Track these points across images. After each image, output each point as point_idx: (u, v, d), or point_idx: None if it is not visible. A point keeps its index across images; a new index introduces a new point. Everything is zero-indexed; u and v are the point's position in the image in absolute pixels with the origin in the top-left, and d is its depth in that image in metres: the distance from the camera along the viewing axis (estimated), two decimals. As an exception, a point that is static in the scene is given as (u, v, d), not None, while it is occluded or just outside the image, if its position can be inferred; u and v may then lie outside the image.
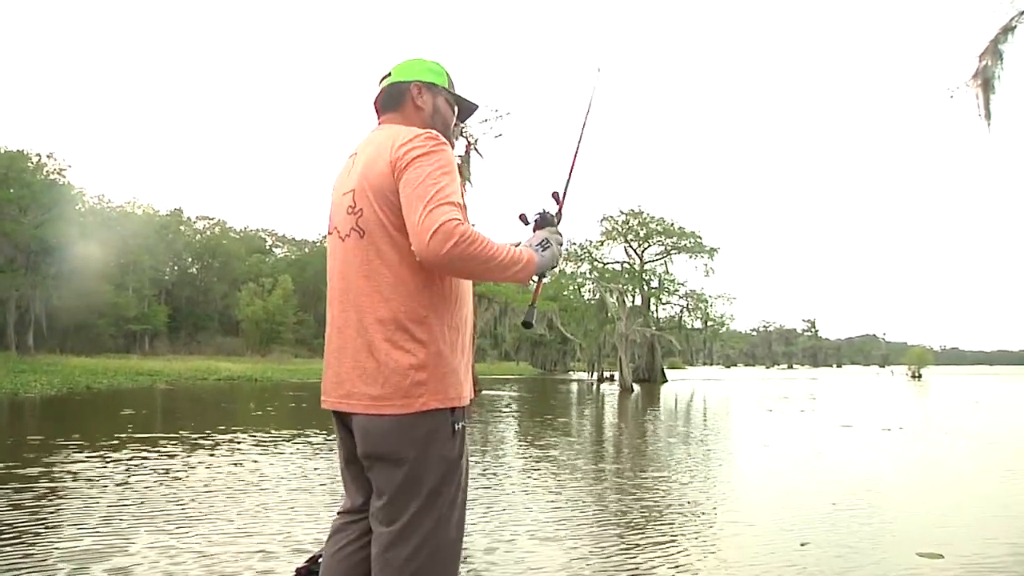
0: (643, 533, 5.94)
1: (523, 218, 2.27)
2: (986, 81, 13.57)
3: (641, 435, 14.57)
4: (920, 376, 62.17)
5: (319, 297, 73.59)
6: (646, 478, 8.86)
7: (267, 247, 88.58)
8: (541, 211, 2.25)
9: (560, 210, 2.28)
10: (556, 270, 2.08)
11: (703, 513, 6.84)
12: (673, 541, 5.67)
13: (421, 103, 2.26)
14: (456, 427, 2.06)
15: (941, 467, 10.02)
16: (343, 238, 2.13)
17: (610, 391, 35.55)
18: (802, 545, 5.41)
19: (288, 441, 12.11)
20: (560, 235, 2.22)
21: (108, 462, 9.30)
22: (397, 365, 1.99)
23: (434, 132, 2.09)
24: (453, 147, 2.21)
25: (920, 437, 13.81)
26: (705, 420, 18.62)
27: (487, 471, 9.11)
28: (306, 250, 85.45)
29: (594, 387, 40.59)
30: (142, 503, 6.75)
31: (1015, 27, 13.12)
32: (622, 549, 5.41)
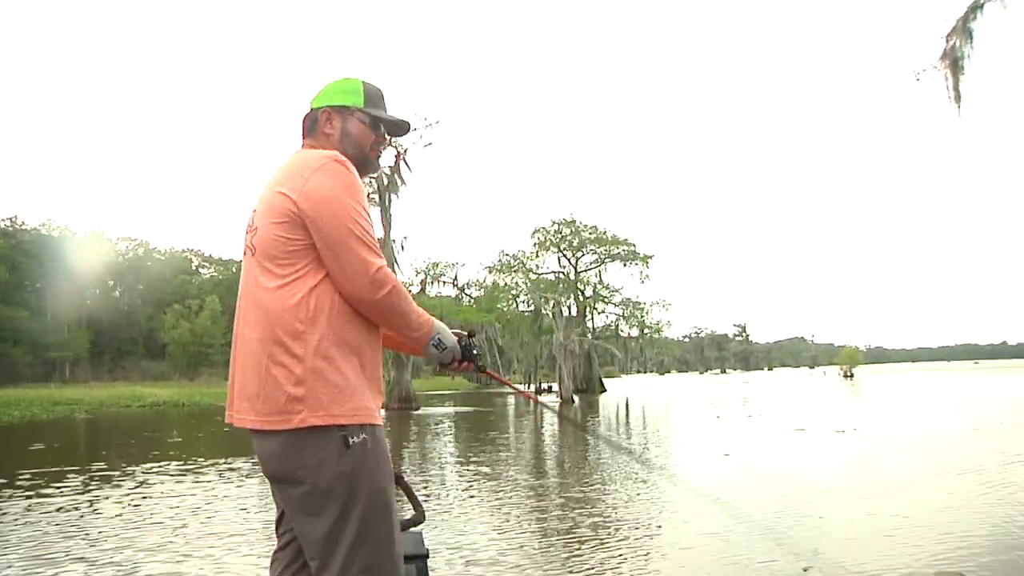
0: (592, 554, 5.50)
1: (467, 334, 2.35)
2: (955, 62, 13.33)
3: (589, 449, 14.19)
4: (852, 375, 63.44)
5: (249, 318, 71.89)
6: (595, 493, 8.47)
7: (193, 267, 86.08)
8: (466, 344, 2.31)
9: (472, 352, 2.33)
10: (435, 354, 2.13)
11: (659, 527, 6.46)
12: (626, 562, 5.24)
13: (329, 129, 2.27)
14: (351, 440, 1.98)
15: (910, 471, 9.68)
16: (246, 255, 2.19)
17: (549, 403, 35.24)
18: (804, 571, 4.89)
19: (210, 469, 11.41)
20: (455, 358, 2.27)
21: (2, 502, 8.49)
22: (275, 381, 1.98)
23: (340, 156, 2.11)
24: (372, 167, 2.32)
25: (876, 439, 13.64)
26: (654, 430, 18.25)
27: (421, 491, 8.57)
28: (233, 270, 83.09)
29: (531, 401, 40.20)
30: (38, 546, 6.05)
31: (983, 4, 12.99)
32: (569, 571, 4.96)
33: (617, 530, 6.37)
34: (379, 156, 2.38)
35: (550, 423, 22.63)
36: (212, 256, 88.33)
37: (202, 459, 12.95)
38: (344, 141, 2.26)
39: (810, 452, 12.02)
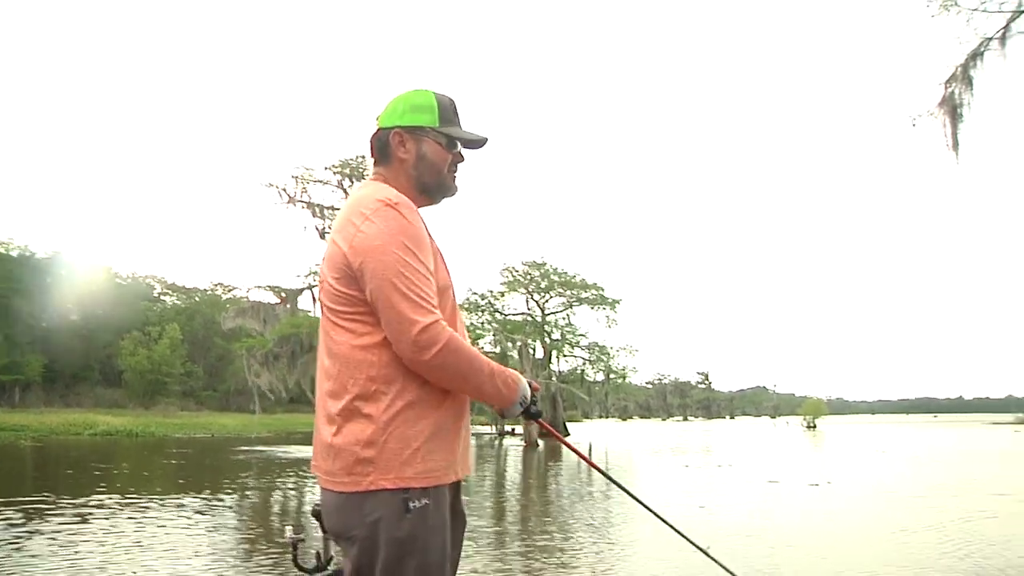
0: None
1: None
2: (953, 109, 13.15)
3: (551, 493, 13.79)
4: (815, 426, 63.55)
5: (209, 347, 70.64)
6: (558, 541, 8.12)
7: (155, 294, 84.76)
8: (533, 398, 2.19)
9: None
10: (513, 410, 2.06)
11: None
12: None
13: (403, 153, 2.11)
14: (411, 505, 1.89)
15: (886, 527, 9.35)
16: (321, 308, 2.11)
17: (514, 446, 34.74)
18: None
19: (157, 505, 10.87)
20: (534, 414, 2.17)
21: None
22: (345, 441, 1.91)
23: (394, 198, 1.97)
24: (450, 191, 2.17)
25: (850, 493, 13.37)
26: (625, 479, 17.76)
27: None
28: (196, 298, 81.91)
29: (497, 442, 39.72)
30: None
31: (983, 53, 12.90)
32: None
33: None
34: (456, 177, 2.18)
35: (513, 464, 22.19)
36: (175, 284, 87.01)
37: (150, 493, 12.37)
38: (420, 166, 2.12)
39: (788, 506, 11.69)
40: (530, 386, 2.14)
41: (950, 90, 13.05)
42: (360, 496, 1.89)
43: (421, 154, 2.12)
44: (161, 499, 11.56)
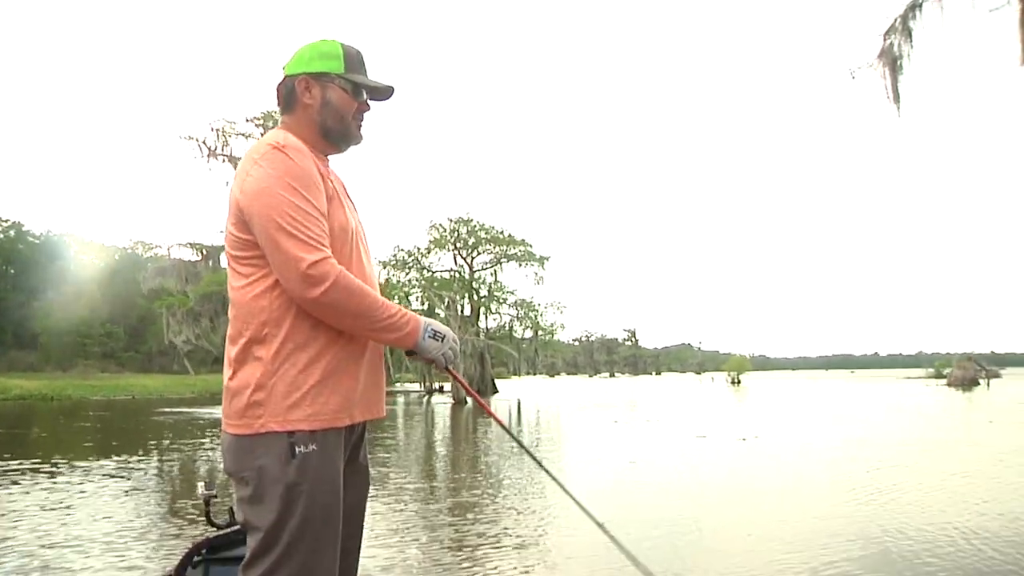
0: (479, 565, 5.10)
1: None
2: (893, 61, 13.09)
3: (480, 451, 13.78)
4: (739, 382, 65.13)
5: (129, 307, 68.68)
6: (485, 499, 8.09)
7: (72, 253, 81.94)
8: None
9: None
10: (435, 363, 2.08)
11: (547, 536, 6.07)
12: (514, 572, 4.84)
13: (308, 99, 2.13)
14: (297, 450, 1.91)
15: (831, 484, 9.39)
16: None
17: (441, 403, 34.76)
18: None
19: (67, 470, 10.50)
20: (454, 351, 2.13)
21: None
22: (238, 384, 1.96)
23: (281, 141, 2.00)
24: (355, 138, 2.18)
25: (778, 447, 13.53)
26: (555, 434, 17.82)
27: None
28: (116, 257, 79.52)
29: (425, 400, 39.70)
30: None
31: (921, 4, 12.81)
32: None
33: (505, 539, 6.00)
34: (361, 125, 2.20)
35: (440, 421, 22.18)
36: (93, 241, 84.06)
37: (60, 457, 11.94)
38: (324, 112, 2.14)
39: (719, 460, 11.79)
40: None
41: (889, 41, 12.99)
42: (251, 439, 1.92)
43: (326, 100, 2.13)
44: (71, 463, 11.17)
